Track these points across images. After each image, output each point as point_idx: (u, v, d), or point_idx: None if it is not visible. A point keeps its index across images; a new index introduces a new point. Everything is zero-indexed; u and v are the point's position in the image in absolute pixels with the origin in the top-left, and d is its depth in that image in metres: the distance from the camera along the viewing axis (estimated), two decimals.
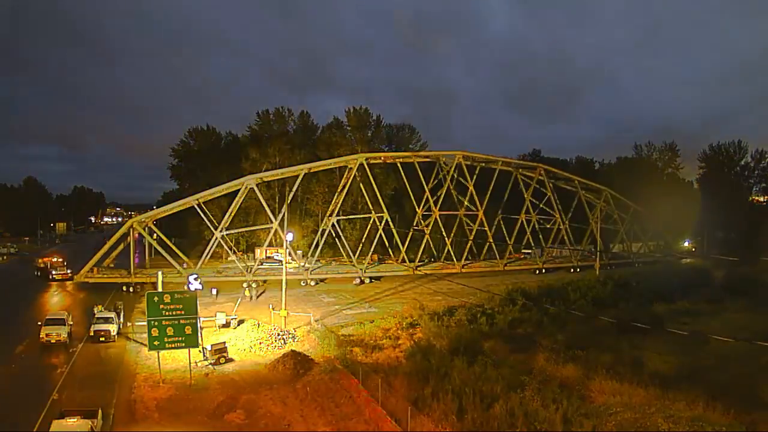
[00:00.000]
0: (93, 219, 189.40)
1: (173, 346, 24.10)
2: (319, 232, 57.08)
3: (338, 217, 57.41)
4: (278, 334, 29.89)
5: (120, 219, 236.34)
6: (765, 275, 51.75)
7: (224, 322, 33.02)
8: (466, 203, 59.89)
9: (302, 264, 54.01)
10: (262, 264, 64.55)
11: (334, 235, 57.08)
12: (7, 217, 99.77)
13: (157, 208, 64.10)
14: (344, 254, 58.51)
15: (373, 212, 55.38)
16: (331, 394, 21.30)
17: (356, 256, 56.87)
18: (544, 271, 61.53)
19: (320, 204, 70.82)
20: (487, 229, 59.61)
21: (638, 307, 38.47)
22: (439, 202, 58.30)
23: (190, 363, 24.18)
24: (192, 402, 21.32)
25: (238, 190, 49.97)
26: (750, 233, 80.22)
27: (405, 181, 56.67)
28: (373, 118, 73.50)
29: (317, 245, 55.25)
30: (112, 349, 28.69)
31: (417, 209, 58.29)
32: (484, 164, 61.86)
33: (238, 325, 32.75)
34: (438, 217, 57.56)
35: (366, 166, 54.56)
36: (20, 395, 21.73)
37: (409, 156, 60.18)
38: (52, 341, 28.44)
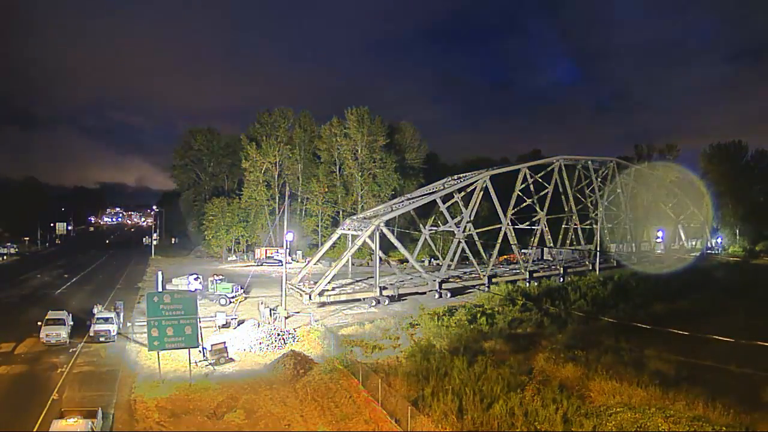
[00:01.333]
0: (93, 219, 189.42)
1: (173, 346, 24.11)
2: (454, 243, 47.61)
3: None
4: (278, 334, 29.90)
5: (119, 219, 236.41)
6: (766, 275, 51.83)
7: (224, 322, 33.02)
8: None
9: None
10: (261, 264, 64.70)
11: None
12: (7, 217, 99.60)
13: (157, 208, 63.78)
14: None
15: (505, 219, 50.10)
16: (331, 394, 21.31)
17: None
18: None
19: (320, 204, 70.77)
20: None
21: (638, 308, 38.43)
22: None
23: (190, 363, 24.19)
24: (192, 402, 21.31)
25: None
26: (751, 233, 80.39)
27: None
28: (373, 117, 73.49)
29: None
30: (112, 349, 28.67)
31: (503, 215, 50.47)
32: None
33: (238, 325, 32.73)
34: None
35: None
36: (20, 395, 21.72)
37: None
38: (52, 341, 28.44)
